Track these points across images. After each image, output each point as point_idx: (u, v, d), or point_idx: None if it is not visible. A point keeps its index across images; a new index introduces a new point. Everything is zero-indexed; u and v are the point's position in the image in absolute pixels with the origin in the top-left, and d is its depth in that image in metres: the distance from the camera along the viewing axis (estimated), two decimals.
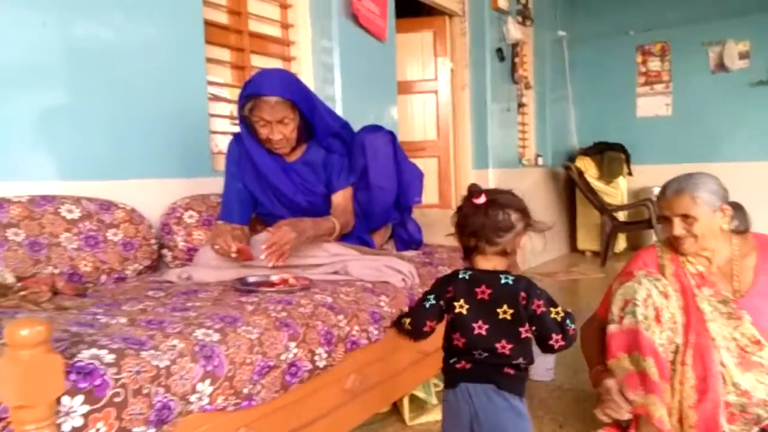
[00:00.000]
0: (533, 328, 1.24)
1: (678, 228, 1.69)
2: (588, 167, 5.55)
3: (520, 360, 1.24)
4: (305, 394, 1.40)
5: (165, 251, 2.04)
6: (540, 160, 5.52)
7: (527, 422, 1.24)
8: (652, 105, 5.93)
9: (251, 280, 1.69)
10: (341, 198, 2.04)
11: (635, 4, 5.89)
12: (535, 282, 1.27)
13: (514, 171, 5.00)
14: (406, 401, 2.02)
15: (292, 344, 1.33)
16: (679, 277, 1.74)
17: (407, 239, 2.28)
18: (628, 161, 5.66)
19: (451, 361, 1.28)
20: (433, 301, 1.32)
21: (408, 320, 1.39)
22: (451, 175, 4.51)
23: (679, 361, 1.64)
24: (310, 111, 1.92)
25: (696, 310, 1.66)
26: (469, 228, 1.25)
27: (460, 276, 1.28)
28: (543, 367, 2.39)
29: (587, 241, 5.72)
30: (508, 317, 1.23)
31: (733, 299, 1.67)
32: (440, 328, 1.36)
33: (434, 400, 2.10)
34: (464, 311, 1.25)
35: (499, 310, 1.23)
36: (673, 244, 1.77)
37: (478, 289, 1.25)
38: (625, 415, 1.61)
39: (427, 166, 4.10)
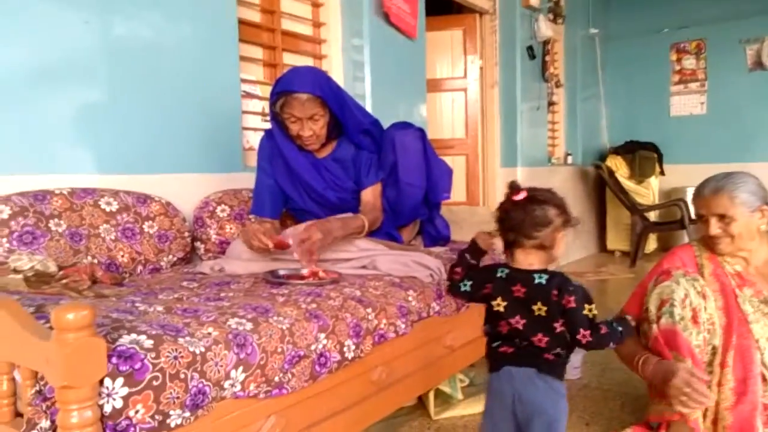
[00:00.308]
0: (563, 321, 1.27)
1: (714, 227, 1.67)
2: (619, 166, 5.47)
3: (558, 350, 1.29)
4: (333, 384, 1.43)
5: (198, 244, 2.10)
6: (569, 159, 5.46)
7: (565, 402, 1.30)
8: (687, 103, 5.82)
9: (282, 272, 1.72)
10: (370, 195, 2.07)
11: (670, 1, 5.79)
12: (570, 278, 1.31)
13: (543, 169, 4.96)
14: (431, 395, 2.04)
15: (322, 335, 1.36)
16: (719, 277, 1.72)
17: (435, 235, 2.30)
18: (660, 161, 5.57)
19: (494, 345, 1.35)
20: (469, 289, 1.39)
21: (448, 284, 1.47)
22: (479, 173, 4.50)
23: (718, 363, 1.62)
24: (340, 108, 1.95)
25: (738, 311, 1.64)
26: (509, 223, 1.31)
27: (498, 274, 1.34)
28: (570, 365, 2.37)
29: (617, 241, 5.64)
30: (543, 313, 1.28)
31: None
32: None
33: (460, 396, 2.12)
34: (501, 308, 1.31)
35: (534, 307, 1.28)
36: (708, 244, 1.74)
37: (513, 288, 1.31)
38: (709, 402, 1.55)
39: (455, 164, 4.10)
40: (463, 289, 1.40)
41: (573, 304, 1.26)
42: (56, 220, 1.70)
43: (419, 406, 2.11)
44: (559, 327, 1.28)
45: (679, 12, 5.74)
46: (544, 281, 1.29)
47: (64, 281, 1.46)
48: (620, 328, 1.31)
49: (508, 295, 1.31)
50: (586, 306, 1.27)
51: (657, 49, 5.90)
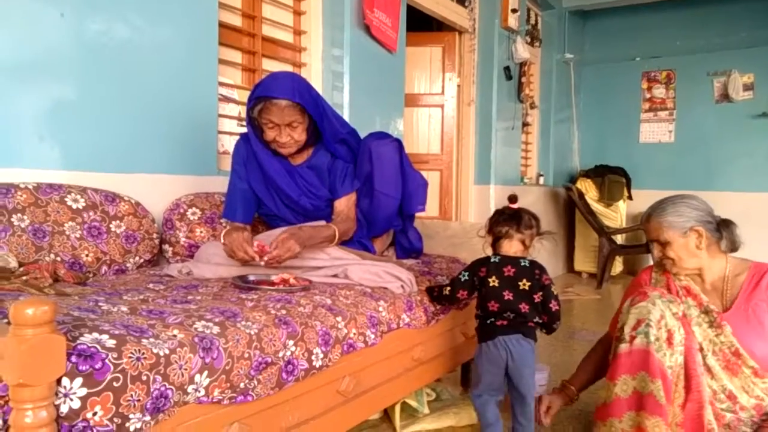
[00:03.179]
0: (541, 294, 1.72)
1: (656, 251, 1.82)
2: (589, 189, 5.58)
3: (536, 318, 1.74)
4: (300, 393, 1.40)
5: (166, 246, 2.06)
6: (541, 180, 5.55)
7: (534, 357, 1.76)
8: (656, 131, 5.98)
9: (251, 278, 1.70)
10: (344, 205, 2.06)
11: (643, 31, 5.96)
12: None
13: (516, 188, 5.01)
14: (397, 409, 2.02)
15: (290, 342, 1.34)
16: (669, 288, 1.83)
17: (408, 247, 2.29)
18: (628, 185, 5.69)
19: (488, 321, 1.74)
20: (467, 278, 1.80)
21: (447, 288, 1.84)
22: (453, 189, 4.53)
23: (683, 386, 1.65)
24: (318, 116, 1.93)
25: (683, 315, 1.70)
26: (505, 217, 1.78)
27: (492, 260, 1.77)
28: (536, 383, 2.39)
29: (584, 262, 5.73)
30: (527, 288, 1.72)
31: (717, 311, 1.73)
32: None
33: (426, 410, 2.10)
34: (496, 284, 1.73)
35: (520, 283, 1.72)
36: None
37: (504, 269, 1.74)
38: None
39: (429, 179, 4.09)
40: (463, 279, 1.80)
41: (548, 282, 1.75)
42: (19, 215, 1.65)
43: (385, 419, 2.10)
44: (537, 298, 1.72)
45: (651, 42, 5.92)
46: (528, 264, 1.75)
47: (25, 278, 1.41)
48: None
49: (500, 274, 1.73)
50: (553, 286, 1.76)
51: (629, 77, 6.06)
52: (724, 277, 1.78)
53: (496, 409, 1.78)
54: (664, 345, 1.61)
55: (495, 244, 1.80)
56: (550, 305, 1.73)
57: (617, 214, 5.52)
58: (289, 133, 1.89)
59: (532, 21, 5.31)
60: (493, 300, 1.73)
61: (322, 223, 1.98)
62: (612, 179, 5.56)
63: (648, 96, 6.00)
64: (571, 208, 5.81)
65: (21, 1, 1.77)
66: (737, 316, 1.72)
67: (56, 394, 0.90)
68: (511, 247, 1.76)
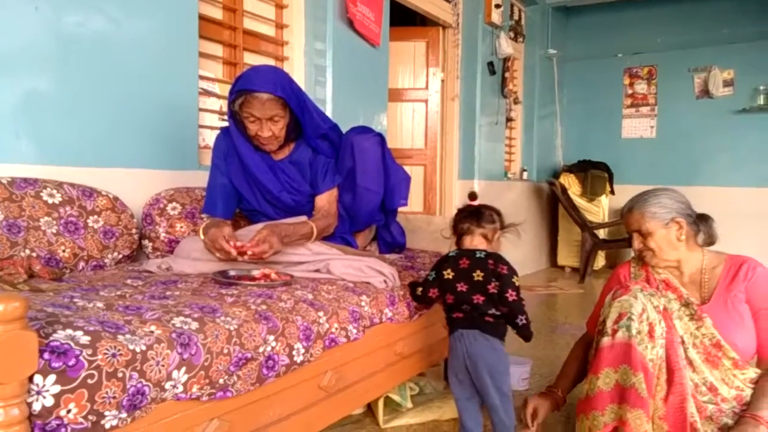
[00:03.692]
0: (497, 284, 1.67)
1: (636, 242, 1.82)
2: (572, 184, 5.61)
3: (493, 310, 1.68)
4: (281, 388, 1.39)
5: (146, 242, 2.03)
6: (525, 175, 5.57)
7: (505, 358, 1.69)
8: (638, 126, 6.03)
9: (232, 273, 1.68)
10: (325, 201, 2.04)
11: (625, 27, 6.01)
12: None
13: (499, 183, 5.04)
14: (380, 404, 2.02)
15: (271, 337, 1.33)
16: (648, 282, 1.83)
17: (390, 242, 2.29)
18: (611, 180, 5.73)
19: (450, 315, 1.75)
20: (434, 275, 1.78)
21: (420, 289, 1.82)
22: (437, 184, 4.53)
23: (665, 380, 1.66)
24: (300, 110, 1.92)
25: (664, 309, 1.71)
26: (465, 214, 1.79)
27: (450, 254, 1.78)
28: (518, 376, 2.40)
29: (567, 257, 5.77)
30: (480, 278, 1.68)
31: (697, 303, 1.74)
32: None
33: (409, 404, 2.10)
34: (450, 276, 1.72)
35: (474, 275, 1.69)
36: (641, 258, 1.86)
37: (460, 261, 1.73)
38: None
39: (413, 174, 4.12)
40: (430, 278, 1.79)
41: (505, 271, 1.68)
42: None
43: (368, 414, 2.09)
44: (491, 288, 1.67)
45: (633, 38, 5.96)
46: (483, 255, 1.72)
47: None
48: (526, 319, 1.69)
49: (455, 267, 1.72)
50: (515, 276, 1.70)
51: (611, 73, 6.10)
52: (701, 270, 1.80)
53: (478, 415, 1.74)
54: (646, 338, 1.62)
55: (458, 242, 1.80)
56: (507, 294, 1.66)
57: (600, 209, 5.56)
58: (270, 128, 1.87)
59: (516, 17, 5.32)
60: (449, 292, 1.72)
61: (303, 218, 1.97)
62: (594, 174, 5.60)
63: (630, 92, 6.04)
64: (554, 203, 5.85)
65: None
66: (717, 308, 1.73)
67: (29, 392, 0.88)
68: (473, 241, 1.76)
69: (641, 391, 1.57)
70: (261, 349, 1.30)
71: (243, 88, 1.82)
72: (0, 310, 0.83)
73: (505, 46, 4.82)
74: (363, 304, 1.69)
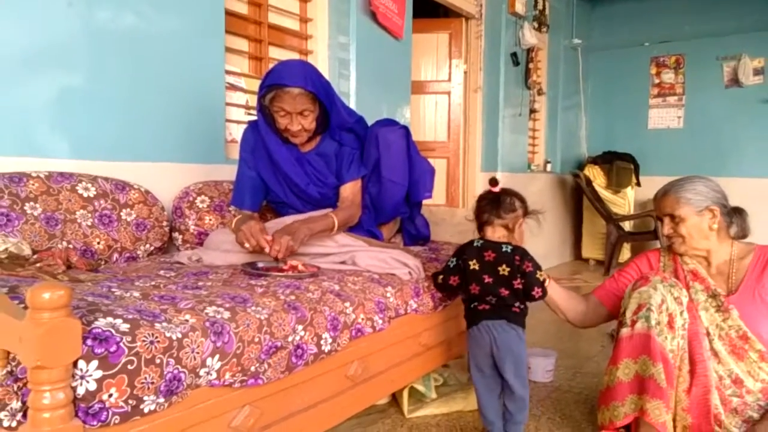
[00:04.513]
0: (522, 281, 1.70)
1: (666, 227, 1.81)
2: (596, 176, 5.56)
3: (517, 303, 1.72)
4: (309, 377, 1.43)
5: (176, 234, 2.08)
6: (549, 167, 5.53)
7: (525, 345, 1.73)
8: (664, 117, 5.93)
9: (261, 264, 1.72)
10: (349, 191, 2.06)
11: (652, 16, 5.90)
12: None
13: (523, 176, 5.01)
14: (405, 394, 2.05)
15: (300, 327, 1.36)
16: (677, 274, 1.83)
17: (415, 234, 2.31)
18: (636, 172, 5.66)
19: (472, 305, 1.75)
20: (455, 262, 1.79)
21: (440, 276, 1.84)
22: (460, 176, 4.53)
23: (687, 371, 1.66)
24: (329, 104, 1.94)
25: (690, 300, 1.71)
26: (486, 203, 1.78)
27: (474, 244, 1.77)
28: (543, 368, 2.41)
29: (592, 249, 5.72)
30: (506, 273, 1.70)
31: (724, 294, 1.74)
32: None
33: (433, 395, 2.13)
34: (476, 267, 1.73)
35: (499, 269, 1.71)
36: (670, 246, 1.86)
37: (486, 253, 1.73)
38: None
39: (436, 166, 4.10)
40: (452, 265, 1.80)
41: (530, 269, 1.71)
42: (32, 203, 1.67)
43: (393, 404, 2.12)
44: (516, 284, 1.70)
45: (660, 27, 5.85)
46: (509, 250, 1.72)
47: (38, 265, 1.44)
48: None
49: (480, 258, 1.73)
50: (539, 272, 1.73)
51: (637, 63, 6.00)
52: (729, 261, 1.79)
53: (497, 405, 1.74)
54: (665, 329, 1.62)
55: (480, 230, 1.80)
56: (533, 293, 1.71)
57: (625, 201, 5.49)
58: (300, 122, 1.89)
59: (540, 6, 5.25)
60: (474, 283, 1.72)
61: (326, 211, 1.98)
62: (620, 166, 5.54)
63: (657, 81, 5.95)
64: (578, 195, 5.80)
65: None
66: (744, 299, 1.72)
67: (73, 377, 0.93)
68: (495, 233, 1.76)
69: (660, 381, 1.58)
70: (290, 338, 1.33)
71: (274, 82, 1.85)
72: (46, 298, 0.88)
73: (529, 36, 4.78)
74: (388, 295, 1.72)
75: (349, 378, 1.58)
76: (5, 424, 0.94)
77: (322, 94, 1.89)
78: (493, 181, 1.84)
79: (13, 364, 0.97)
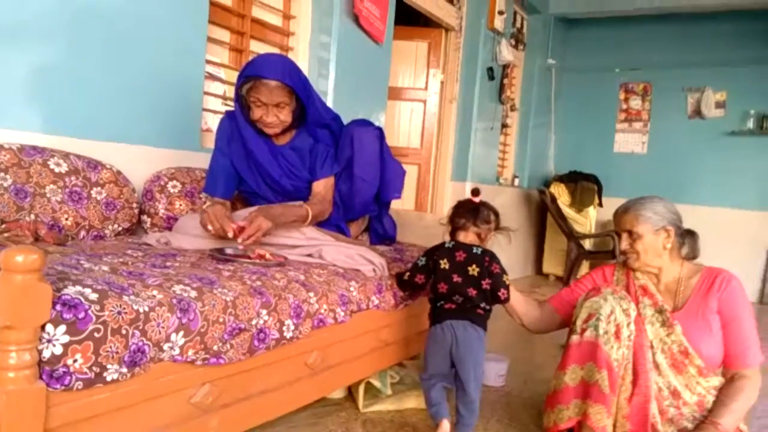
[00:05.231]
0: (490, 281, 1.78)
1: (624, 242, 1.91)
2: (561, 194, 5.71)
3: (483, 304, 1.79)
4: (270, 361, 1.46)
5: (145, 217, 2.09)
6: (516, 181, 5.67)
7: (484, 348, 1.79)
8: (629, 141, 6.14)
9: (228, 251, 1.75)
10: (321, 187, 2.11)
11: (624, 43, 6.11)
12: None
13: (491, 188, 5.12)
14: (361, 389, 2.09)
15: (264, 311, 1.40)
16: (629, 288, 1.92)
17: (382, 233, 2.36)
18: (599, 192, 5.83)
19: (439, 304, 1.80)
20: (424, 262, 1.86)
21: (407, 274, 1.90)
22: (430, 183, 4.61)
23: (630, 381, 1.75)
24: (306, 99, 1.99)
25: (637, 314, 1.80)
26: (464, 210, 1.86)
27: (446, 245, 1.85)
28: (495, 372, 2.48)
29: (552, 265, 5.87)
30: (475, 273, 1.78)
31: (670, 311, 1.83)
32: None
33: (389, 391, 2.17)
34: (446, 267, 1.80)
35: (469, 269, 1.78)
36: (625, 262, 1.95)
37: (457, 254, 1.81)
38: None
39: (407, 172, 4.19)
40: (420, 264, 1.87)
41: (498, 270, 1.81)
42: (2, 174, 1.67)
43: (349, 398, 2.16)
44: (485, 285, 1.78)
45: (631, 54, 6.07)
46: (479, 252, 1.81)
47: (6, 234, 1.44)
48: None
49: (452, 258, 1.81)
50: (505, 276, 1.83)
51: (607, 87, 6.20)
52: (678, 279, 1.89)
53: (443, 391, 1.80)
54: (612, 338, 1.71)
55: (453, 234, 1.87)
56: (500, 293, 1.80)
57: (587, 220, 5.66)
58: (275, 114, 1.93)
59: (518, 24, 5.41)
60: (443, 282, 1.78)
61: (299, 202, 2.03)
62: (584, 186, 5.70)
63: (624, 107, 6.15)
64: (543, 211, 5.94)
65: None
66: (688, 316, 1.82)
67: (40, 340, 0.95)
68: (467, 238, 1.84)
69: (604, 387, 1.66)
70: (254, 322, 1.37)
71: (252, 73, 1.89)
72: (20, 260, 0.90)
73: (506, 52, 4.90)
74: (352, 289, 1.76)
75: (308, 366, 1.62)
76: None
77: (299, 89, 1.93)
78: (476, 192, 1.93)
79: None
